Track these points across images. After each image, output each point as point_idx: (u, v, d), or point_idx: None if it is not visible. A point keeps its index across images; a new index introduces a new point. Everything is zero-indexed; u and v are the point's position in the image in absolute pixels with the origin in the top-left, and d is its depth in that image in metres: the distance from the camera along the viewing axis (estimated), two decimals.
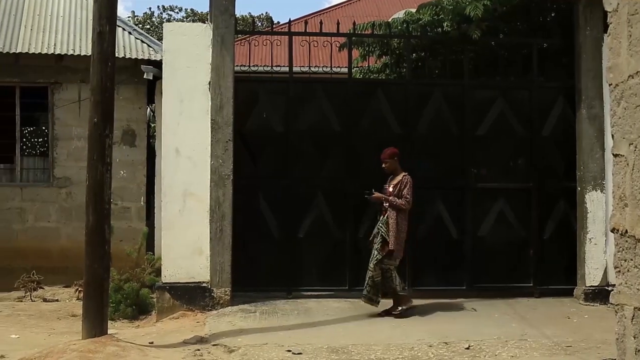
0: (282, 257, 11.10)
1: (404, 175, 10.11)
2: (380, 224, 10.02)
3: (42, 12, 15.64)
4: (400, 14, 14.98)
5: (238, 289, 10.65)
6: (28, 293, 13.63)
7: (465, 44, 11.87)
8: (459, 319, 9.89)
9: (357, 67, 14.38)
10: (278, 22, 21.04)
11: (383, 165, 10.18)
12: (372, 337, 8.71)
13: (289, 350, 7.95)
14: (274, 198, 11.16)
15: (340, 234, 11.24)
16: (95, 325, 8.73)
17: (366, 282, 10.03)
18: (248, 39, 13.59)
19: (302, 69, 12.33)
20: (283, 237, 11.14)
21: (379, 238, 9.98)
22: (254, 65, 11.45)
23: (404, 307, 10.06)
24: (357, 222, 11.20)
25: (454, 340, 8.48)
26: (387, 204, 9.99)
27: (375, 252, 9.97)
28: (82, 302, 9.23)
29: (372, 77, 14.38)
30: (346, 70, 11.80)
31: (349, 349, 8.07)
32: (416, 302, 10.31)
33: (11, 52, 14.43)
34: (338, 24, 11.53)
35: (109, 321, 9.17)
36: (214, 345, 8.46)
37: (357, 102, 11.38)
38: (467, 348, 8.14)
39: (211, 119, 10.55)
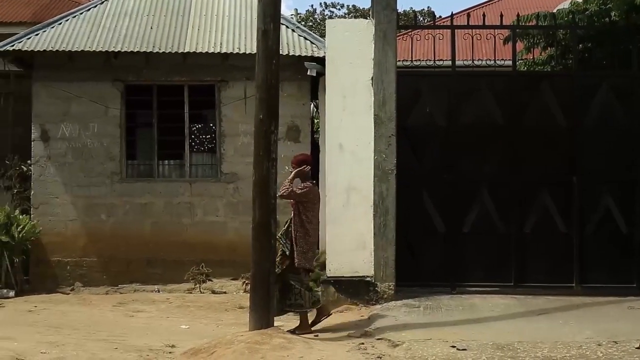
0: (445, 253, 11.11)
1: (304, 184, 9.87)
2: (280, 235, 9.79)
3: (208, 12, 16.16)
4: (565, 5, 14.66)
5: (401, 283, 10.74)
6: (197, 285, 14.20)
7: (634, 33, 11.49)
8: (629, 318, 9.60)
9: (521, 59, 14.17)
10: (440, 16, 20.93)
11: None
12: (539, 334, 8.58)
13: (453, 346, 7.95)
14: (437, 193, 11.17)
15: (505, 229, 11.13)
16: (262, 317, 9.00)
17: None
18: (410, 33, 13.61)
19: (465, 62, 12.26)
20: (447, 232, 11.15)
21: (279, 251, 9.71)
22: (416, 60, 11.50)
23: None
24: (522, 217, 11.08)
25: (624, 339, 8.24)
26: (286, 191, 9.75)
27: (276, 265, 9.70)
28: (249, 294, 9.54)
29: (537, 69, 14.14)
30: (510, 63, 11.66)
31: (515, 346, 7.99)
32: (585, 300, 10.08)
33: (180, 51, 15.01)
34: (501, 16, 11.42)
35: (275, 314, 9.43)
36: (378, 339, 8.56)
37: (522, 95, 11.24)
38: (638, 347, 7.91)
39: (374, 114, 10.68)
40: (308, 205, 9.86)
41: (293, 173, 9.97)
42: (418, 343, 8.16)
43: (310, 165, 10.16)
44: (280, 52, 9.60)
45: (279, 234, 9.77)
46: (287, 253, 9.79)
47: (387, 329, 8.96)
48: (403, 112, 10.98)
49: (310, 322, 9.85)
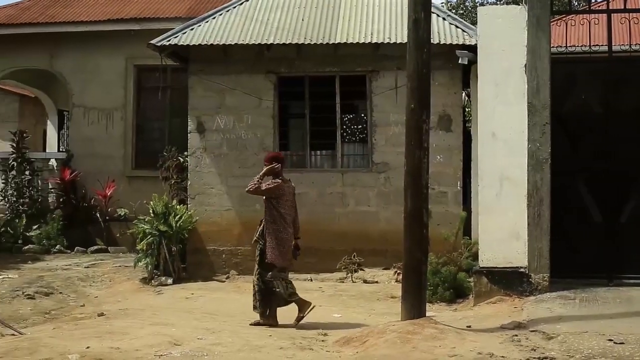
0: (602, 244, 10.87)
1: (272, 181, 10.41)
2: (257, 236, 10.31)
3: (359, 2, 16.27)
4: None
5: (555, 275, 10.58)
6: (349, 274, 14.39)
7: None
8: None
9: None
10: (595, 0, 20.31)
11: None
12: None
13: (610, 340, 7.81)
14: (593, 182, 10.96)
15: None
16: (414, 307, 9.10)
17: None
18: (564, 18, 13.33)
19: (622, 47, 11.90)
20: (604, 223, 10.92)
21: (257, 250, 10.21)
22: (570, 46, 11.27)
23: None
24: None
25: None
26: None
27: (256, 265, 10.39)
28: (400, 284, 9.66)
29: None
30: None
31: None
32: None
33: (331, 42, 15.21)
34: None
35: (426, 304, 9.50)
36: (532, 331, 8.51)
37: None
38: None
39: (527, 102, 10.58)
40: (280, 201, 10.42)
41: (264, 170, 10.49)
42: (573, 336, 8.07)
43: (282, 163, 10.75)
44: (431, 41, 9.67)
45: (256, 235, 10.56)
46: (263, 248, 10.42)
47: (541, 321, 8.89)
48: (557, 100, 10.81)
49: (297, 317, 10.39)
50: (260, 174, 10.51)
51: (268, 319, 10.44)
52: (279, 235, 10.39)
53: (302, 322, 10.32)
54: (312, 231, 15.07)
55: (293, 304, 10.54)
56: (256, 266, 10.60)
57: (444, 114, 15.05)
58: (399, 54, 13.23)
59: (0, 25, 20.42)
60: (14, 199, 19.08)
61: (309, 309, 10.46)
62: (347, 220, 15.35)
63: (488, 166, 10.80)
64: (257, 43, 15.36)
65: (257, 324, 10.41)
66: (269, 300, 10.51)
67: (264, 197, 10.58)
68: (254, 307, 10.60)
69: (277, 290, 10.39)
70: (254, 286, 10.63)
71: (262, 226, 10.59)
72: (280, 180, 10.55)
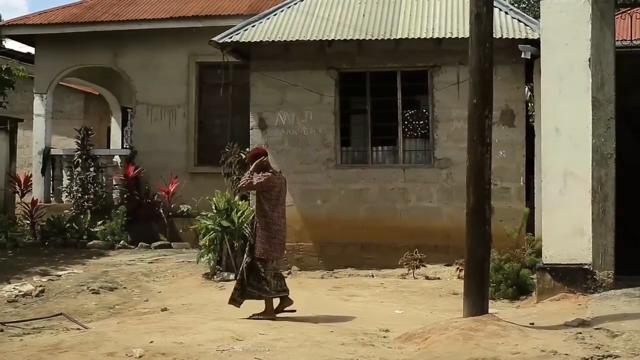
0: None
1: (262, 174, 10.46)
2: (246, 225, 10.47)
3: None
4: None
5: (620, 272, 10.45)
6: (411, 270, 14.38)
7: None
8: None
9: None
10: None
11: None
12: None
13: None
14: None
15: None
16: (476, 304, 9.08)
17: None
18: (629, 11, 13.15)
19: None
20: None
21: (247, 244, 10.44)
22: (636, 40, 11.12)
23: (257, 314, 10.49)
24: None
25: None
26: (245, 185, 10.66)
27: (245, 256, 10.52)
28: (462, 280, 9.65)
29: None
30: None
31: None
32: None
33: (392, 38, 15.21)
34: None
35: (489, 300, 9.48)
36: (596, 329, 8.43)
37: None
38: None
39: (592, 97, 10.46)
40: (271, 193, 10.53)
41: (252, 166, 10.58)
42: (638, 334, 7.98)
43: (266, 157, 10.87)
44: (494, 35, 9.61)
45: (248, 228, 10.80)
46: (252, 243, 10.53)
47: (606, 319, 8.80)
48: (622, 94, 10.68)
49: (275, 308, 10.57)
50: (250, 170, 10.69)
51: (236, 304, 10.72)
52: (272, 228, 10.52)
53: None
54: (374, 227, 15.22)
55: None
56: (245, 256, 10.81)
57: (507, 109, 14.96)
58: (460, 49, 13.18)
59: (66, 23, 20.83)
60: (79, 195, 19.47)
61: (289, 309, 10.69)
62: (409, 216, 15.35)
63: (551, 162, 10.72)
64: (318, 39, 15.43)
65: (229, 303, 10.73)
66: (245, 292, 10.72)
67: (255, 192, 10.78)
68: (233, 300, 10.78)
69: (266, 288, 10.53)
70: (238, 276, 10.90)
71: (253, 217, 10.93)
72: (270, 174, 10.68)
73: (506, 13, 15.28)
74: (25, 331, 10.41)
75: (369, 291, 13.20)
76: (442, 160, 15.29)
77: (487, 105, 9.19)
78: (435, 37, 15.04)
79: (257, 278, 10.55)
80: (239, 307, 10.69)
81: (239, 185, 10.75)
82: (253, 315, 10.53)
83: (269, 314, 10.52)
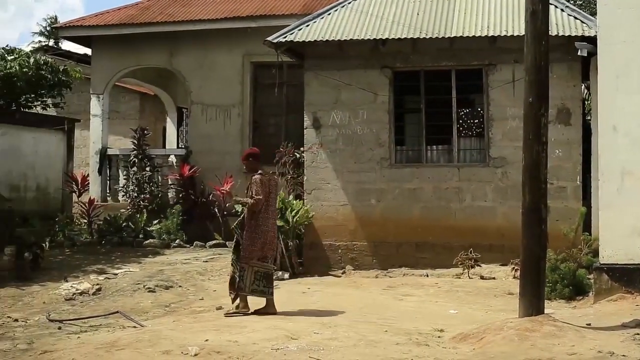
0: None
1: (253, 176, 10.55)
2: (235, 225, 10.61)
3: None
4: None
5: None
6: (466, 270, 14.34)
7: None
8: None
9: None
10: None
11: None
12: None
13: None
14: None
15: None
16: (532, 304, 9.03)
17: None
18: None
19: None
20: None
21: (234, 240, 10.58)
22: None
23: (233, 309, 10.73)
24: None
25: None
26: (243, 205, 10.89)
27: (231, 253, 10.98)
28: (518, 280, 9.60)
29: None
30: None
31: None
32: None
33: (446, 36, 15.16)
34: None
35: (545, 301, 9.41)
36: None
37: None
38: None
39: None
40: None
41: (245, 168, 11.25)
42: None
43: (256, 158, 11.17)
44: (549, 33, 9.55)
45: (234, 225, 11.03)
46: (239, 240, 10.75)
47: None
48: None
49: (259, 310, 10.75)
50: (248, 186, 10.93)
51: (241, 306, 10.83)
52: (260, 229, 10.72)
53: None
54: (428, 226, 15.20)
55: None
56: (232, 255, 11.02)
57: (563, 107, 14.82)
58: (516, 47, 13.10)
59: (122, 25, 21.14)
60: (135, 194, 19.73)
61: (271, 312, 10.74)
62: (464, 216, 15.30)
63: (608, 160, 10.61)
64: (372, 38, 15.45)
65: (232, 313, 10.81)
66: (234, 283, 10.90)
67: (247, 192, 10.95)
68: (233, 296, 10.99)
69: (241, 284, 10.72)
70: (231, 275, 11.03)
71: (242, 217, 10.98)
72: (259, 175, 10.83)
73: (562, 10, 15.13)
74: (82, 329, 10.59)
75: (424, 291, 13.19)
76: (498, 159, 15.20)
77: (543, 103, 9.14)
78: (490, 35, 14.95)
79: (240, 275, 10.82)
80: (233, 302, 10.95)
81: (243, 202, 11.00)
82: (227, 313, 10.84)
83: (241, 308, 10.77)
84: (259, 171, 10.94)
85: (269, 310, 10.73)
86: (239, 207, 12.44)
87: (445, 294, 12.92)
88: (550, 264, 11.84)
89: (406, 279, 14.40)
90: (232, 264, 10.99)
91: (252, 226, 10.71)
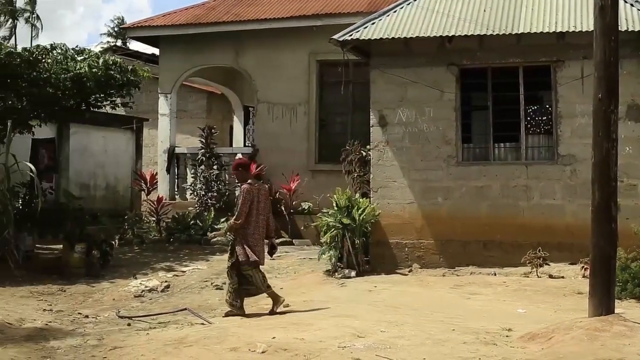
0: None
1: (241, 188, 10.74)
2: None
3: None
4: None
5: None
6: (534, 269, 14.20)
7: None
8: None
9: None
10: None
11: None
12: None
13: None
14: None
15: None
16: (602, 303, 8.94)
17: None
18: None
19: None
20: None
21: (229, 245, 10.82)
22: None
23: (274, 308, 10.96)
24: None
25: None
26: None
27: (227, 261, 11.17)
28: (587, 279, 9.50)
29: None
30: None
31: None
32: None
33: (513, 32, 15.02)
34: None
35: (615, 300, 9.30)
36: None
37: None
38: None
39: None
40: (252, 205, 10.91)
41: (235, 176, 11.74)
42: None
43: (245, 168, 11.50)
44: (619, 28, 9.43)
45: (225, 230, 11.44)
46: (233, 248, 10.98)
47: None
48: None
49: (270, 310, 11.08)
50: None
51: (238, 310, 11.05)
52: (251, 238, 10.97)
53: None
54: (495, 225, 15.09)
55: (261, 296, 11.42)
56: (227, 261, 11.23)
57: (633, 103, 14.58)
58: (584, 43, 12.96)
59: (189, 25, 21.46)
60: (203, 192, 20.00)
61: (281, 302, 11.08)
62: (532, 214, 15.14)
63: None
64: (438, 35, 15.39)
65: (228, 314, 11.10)
66: (239, 292, 11.10)
67: (236, 200, 11.46)
68: (227, 301, 11.27)
69: (252, 281, 11.04)
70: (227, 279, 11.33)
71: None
72: (247, 185, 11.03)
73: (632, 5, 14.87)
74: (151, 325, 10.80)
75: (491, 289, 13.11)
76: (566, 156, 15.02)
77: (612, 100, 9.04)
78: (558, 31, 14.76)
79: (245, 280, 11.10)
80: (240, 312, 11.13)
81: (231, 226, 11.22)
82: (227, 313, 11.14)
83: (239, 310, 11.09)
84: (249, 181, 11.21)
85: (279, 300, 11.16)
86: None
87: (513, 293, 12.82)
88: (621, 263, 11.68)
89: (473, 277, 14.31)
90: (228, 272, 11.28)
91: (244, 235, 10.99)
